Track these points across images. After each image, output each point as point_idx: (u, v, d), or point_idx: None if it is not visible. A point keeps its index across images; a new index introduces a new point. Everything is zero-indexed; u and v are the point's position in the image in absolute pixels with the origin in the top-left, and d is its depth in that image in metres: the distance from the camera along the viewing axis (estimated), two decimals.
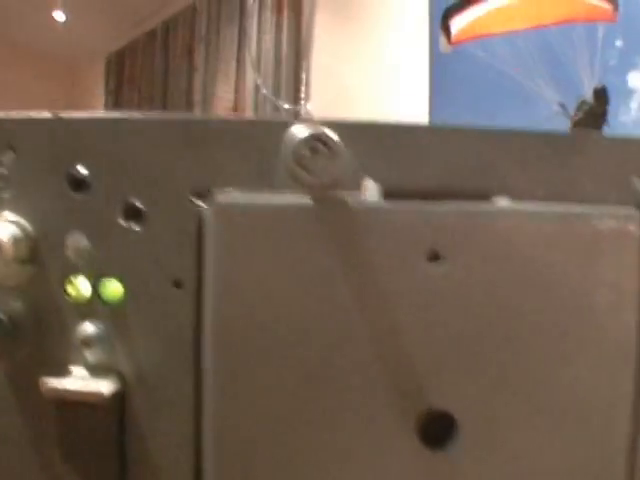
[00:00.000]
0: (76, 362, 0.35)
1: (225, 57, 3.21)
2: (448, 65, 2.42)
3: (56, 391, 0.33)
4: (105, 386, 0.34)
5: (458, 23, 2.10)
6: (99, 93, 4.60)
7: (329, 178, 0.33)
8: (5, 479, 0.36)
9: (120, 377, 0.35)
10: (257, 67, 2.88)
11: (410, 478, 0.36)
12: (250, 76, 2.91)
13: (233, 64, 3.13)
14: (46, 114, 0.37)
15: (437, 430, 0.36)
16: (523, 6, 1.97)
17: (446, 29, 2.17)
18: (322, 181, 0.33)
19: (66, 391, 0.33)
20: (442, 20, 2.15)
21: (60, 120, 0.37)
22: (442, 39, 2.19)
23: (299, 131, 0.33)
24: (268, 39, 2.90)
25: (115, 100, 4.21)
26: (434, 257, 0.36)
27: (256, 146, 0.36)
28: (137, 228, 0.36)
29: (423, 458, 0.35)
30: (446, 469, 0.36)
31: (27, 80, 5.08)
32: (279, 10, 2.65)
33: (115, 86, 4.23)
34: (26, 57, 5.05)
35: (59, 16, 4.24)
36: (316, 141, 0.33)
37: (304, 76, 2.76)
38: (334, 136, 0.33)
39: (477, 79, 2.37)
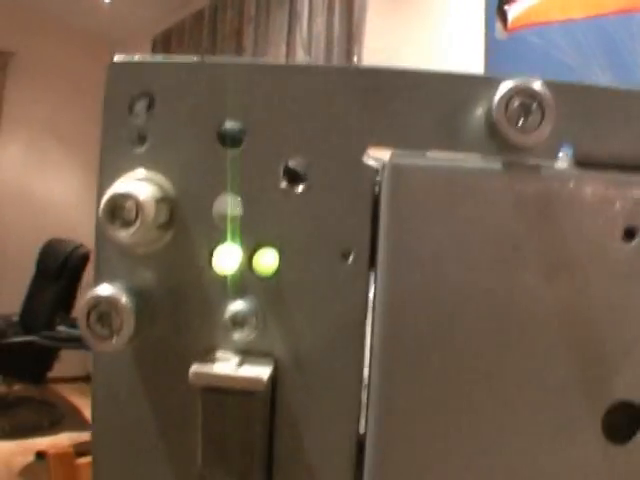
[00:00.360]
0: (222, 344, 0.31)
1: (274, 40, 3.15)
2: (503, 51, 2.36)
3: (204, 376, 0.29)
4: (260, 372, 0.29)
5: (515, 9, 2.06)
6: None
7: (539, 139, 0.28)
8: (140, 465, 0.31)
9: (273, 361, 0.30)
10: (308, 50, 2.82)
11: (591, 469, 0.31)
12: (300, 59, 2.86)
13: (283, 47, 3.08)
14: (190, 58, 0.32)
15: (621, 422, 0.31)
16: (555, 3, 1.93)
17: (502, 15, 2.14)
18: (527, 143, 0.28)
19: (216, 377, 0.29)
20: (498, 6, 2.11)
21: (207, 66, 0.32)
22: (498, 25, 2.15)
23: (509, 86, 0.28)
24: (319, 22, 2.84)
25: None
26: (630, 234, 0.31)
27: (443, 101, 0.31)
28: (298, 191, 0.31)
29: (606, 451, 0.31)
30: (628, 464, 0.31)
31: (72, 60, 5.09)
32: (330, 10, 2.60)
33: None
34: (72, 38, 5.06)
35: None
36: (530, 98, 0.28)
37: (355, 59, 2.71)
38: (548, 94, 0.28)
39: (533, 66, 2.31)
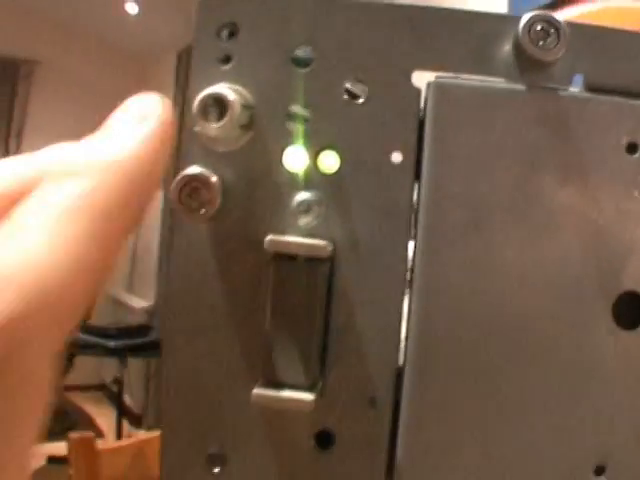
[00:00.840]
0: (290, 230, 0.37)
1: None
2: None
3: (280, 243, 0.35)
4: (324, 243, 0.35)
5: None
6: (169, 87, 4.66)
7: (552, 57, 0.35)
8: (208, 340, 0.37)
9: (332, 243, 0.37)
10: None
11: (605, 353, 0.37)
12: None
13: None
14: None
15: (630, 311, 0.37)
16: (608, 14, 1.98)
17: None
18: (547, 59, 0.35)
19: (290, 243, 0.35)
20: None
21: (283, 0, 0.38)
22: None
23: (532, 14, 0.35)
24: None
25: (184, 96, 4.27)
26: (632, 149, 0.37)
27: (476, 35, 0.37)
28: (358, 102, 0.37)
29: (617, 337, 0.37)
30: (637, 348, 0.37)
31: (97, 72, 5.19)
32: None
33: (185, 82, 4.29)
34: (97, 49, 5.16)
35: (132, 8, 4.32)
36: (546, 23, 0.35)
37: None
38: (563, 22, 0.35)
39: None
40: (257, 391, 0.35)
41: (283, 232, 0.37)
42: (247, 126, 0.37)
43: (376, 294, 0.37)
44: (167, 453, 0.39)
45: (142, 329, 4.13)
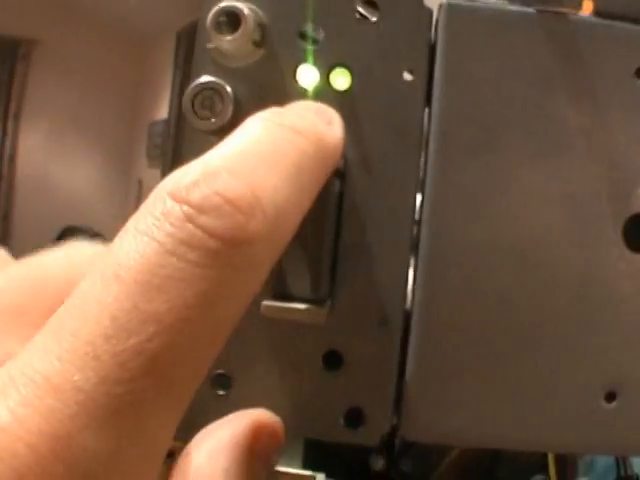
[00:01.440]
0: None
1: None
2: None
3: None
4: None
5: None
6: (168, 68, 4.65)
7: None
8: None
9: (343, 160, 0.37)
10: None
11: (614, 275, 0.37)
12: None
13: None
14: None
15: (637, 233, 0.37)
16: None
17: None
18: None
19: None
20: None
21: None
22: None
23: None
24: None
25: (183, 75, 4.25)
26: None
27: None
28: (373, 19, 0.37)
29: (626, 256, 0.37)
30: None
31: (96, 52, 5.16)
32: None
33: (184, 61, 4.27)
34: (96, 29, 5.12)
35: None
36: None
37: None
38: None
39: None
40: (267, 303, 0.35)
41: None
42: (259, 43, 0.37)
43: (387, 212, 0.37)
44: None
45: None
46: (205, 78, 0.35)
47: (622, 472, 0.48)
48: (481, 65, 0.37)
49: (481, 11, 0.37)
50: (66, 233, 4.85)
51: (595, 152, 0.37)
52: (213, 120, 0.35)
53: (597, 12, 0.38)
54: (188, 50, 4.36)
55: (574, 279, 0.37)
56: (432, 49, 0.37)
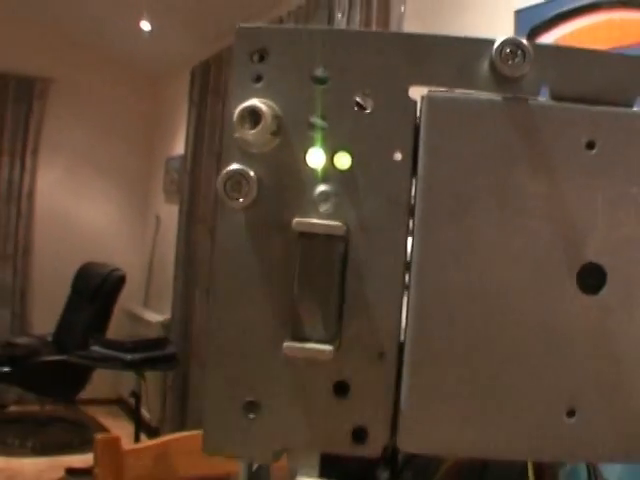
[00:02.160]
0: (310, 215, 0.46)
1: None
2: None
3: (304, 224, 0.44)
4: (339, 224, 0.44)
5: (543, 42, 2.20)
6: (183, 104, 4.76)
7: (519, 73, 0.44)
8: (248, 302, 0.46)
9: (346, 226, 0.45)
10: None
11: (570, 315, 0.45)
12: None
13: None
14: (291, 25, 0.48)
15: (592, 279, 0.45)
16: (607, 26, 2.05)
17: None
18: (515, 75, 0.44)
19: (312, 224, 0.44)
20: (527, 40, 2.24)
21: (304, 31, 0.47)
22: None
23: (503, 39, 0.44)
24: None
25: (198, 111, 4.36)
26: (590, 146, 0.46)
27: (461, 56, 0.46)
28: (367, 112, 0.46)
29: (581, 300, 0.45)
30: (598, 310, 0.45)
31: (111, 89, 5.28)
32: (367, 25, 2.78)
33: (199, 97, 4.39)
34: (111, 66, 5.25)
35: (145, 26, 4.41)
36: (514, 46, 0.44)
37: None
38: (528, 45, 0.44)
39: None
40: (287, 344, 0.44)
41: (307, 216, 0.45)
42: (276, 132, 0.46)
43: (382, 267, 0.46)
44: (209, 402, 0.47)
45: (159, 342, 4.20)
46: (233, 166, 0.44)
47: (593, 479, 0.56)
48: (456, 144, 0.46)
49: (456, 101, 0.46)
50: (85, 269, 4.96)
51: (551, 213, 0.46)
52: (241, 200, 0.44)
53: (553, 96, 0.47)
54: (202, 86, 4.51)
55: (536, 317, 0.46)
56: (417, 132, 0.46)
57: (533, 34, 2.26)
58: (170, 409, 4.47)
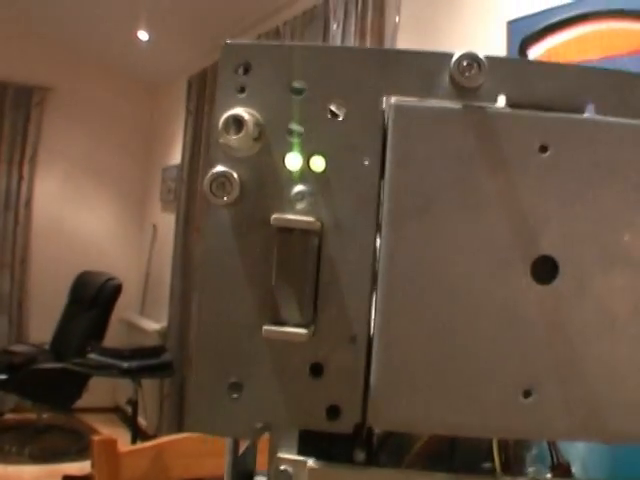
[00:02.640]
0: (288, 212, 0.50)
1: None
2: None
3: (282, 220, 0.49)
4: (314, 220, 0.49)
5: (535, 52, 2.25)
6: (179, 113, 4.80)
7: (476, 83, 0.49)
8: (232, 292, 0.51)
9: (321, 223, 0.50)
10: None
11: (524, 302, 0.50)
12: None
13: None
14: (274, 42, 0.53)
15: (546, 270, 0.50)
16: (597, 36, 2.10)
17: (524, 57, 2.30)
18: (472, 85, 0.49)
19: (289, 220, 0.49)
20: (519, 50, 2.30)
21: (284, 47, 0.52)
22: None
23: (460, 53, 0.49)
24: None
25: (195, 121, 4.41)
26: (543, 149, 0.51)
27: (425, 68, 0.51)
28: (340, 119, 0.51)
29: (534, 289, 0.50)
30: (551, 299, 0.50)
31: (108, 97, 5.33)
32: (362, 35, 2.84)
33: (196, 107, 4.44)
34: (109, 75, 5.29)
35: (143, 36, 4.46)
36: (470, 59, 0.49)
37: None
38: (483, 58, 0.49)
39: None
40: (266, 327, 0.48)
41: (285, 213, 0.50)
42: (258, 138, 0.51)
43: (353, 259, 0.50)
44: (195, 384, 0.52)
45: (155, 350, 4.24)
46: (218, 168, 0.49)
47: (555, 459, 0.61)
48: (420, 148, 0.51)
49: (420, 109, 0.51)
50: (82, 277, 5.00)
51: (508, 210, 0.50)
52: (225, 198, 0.49)
53: (508, 103, 0.52)
54: (199, 95, 4.57)
55: (495, 304, 0.50)
56: (385, 138, 0.51)
57: (524, 45, 2.32)
58: (167, 417, 4.50)
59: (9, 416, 4.92)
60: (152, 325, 4.89)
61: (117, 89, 5.36)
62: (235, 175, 0.49)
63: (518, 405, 0.51)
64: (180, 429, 4.30)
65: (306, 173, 0.51)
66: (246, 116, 0.48)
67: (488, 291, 0.50)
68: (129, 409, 4.16)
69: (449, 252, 0.50)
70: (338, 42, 2.97)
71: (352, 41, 2.90)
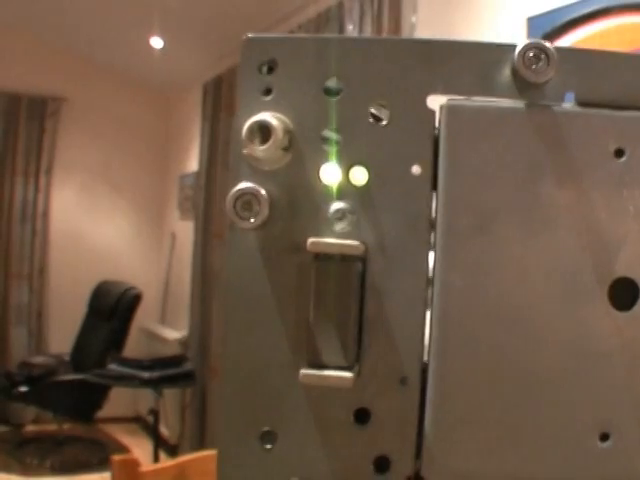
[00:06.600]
0: (325, 234, 0.43)
1: None
2: None
3: (320, 244, 0.41)
4: (357, 243, 0.42)
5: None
6: (195, 120, 4.76)
7: (544, 78, 0.41)
8: (260, 326, 0.44)
9: (364, 246, 0.43)
10: None
11: (602, 333, 0.43)
12: None
13: None
14: (302, 34, 0.45)
15: (625, 295, 0.43)
16: (620, 31, 2.03)
17: None
18: (539, 80, 0.41)
19: (329, 244, 0.41)
20: None
21: (314, 39, 0.45)
22: None
23: (525, 42, 0.41)
24: None
25: (211, 127, 4.36)
26: (619, 153, 0.43)
27: (480, 62, 0.44)
28: (383, 124, 0.44)
29: (613, 316, 0.43)
30: (630, 327, 0.43)
31: (123, 106, 5.29)
32: (378, 36, 2.77)
33: (212, 113, 4.38)
34: (123, 84, 5.26)
35: (157, 42, 4.42)
36: (538, 50, 0.41)
37: None
38: (552, 48, 0.41)
39: None
40: (304, 371, 0.41)
41: (322, 236, 0.43)
42: (287, 148, 0.43)
43: (402, 287, 0.43)
44: (225, 433, 0.45)
45: (176, 360, 4.19)
46: (243, 184, 0.42)
47: None
48: (478, 156, 0.43)
49: (476, 109, 0.44)
50: (101, 287, 4.96)
51: (579, 226, 0.43)
52: (252, 220, 0.41)
53: (578, 102, 0.45)
54: (215, 101, 4.50)
55: (566, 336, 0.43)
56: (436, 144, 0.44)
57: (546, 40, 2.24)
58: (189, 426, 4.45)
59: (30, 428, 4.89)
60: (173, 334, 4.84)
61: (132, 97, 5.32)
62: (263, 192, 0.42)
63: (594, 450, 0.44)
64: (202, 438, 4.25)
65: (345, 187, 0.44)
66: (274, 122, 0.41)
67: (558, 321, 0.43)
68: (151, 419, 4.11)
69: (513, 276, 0.43)
70: None
71: None
